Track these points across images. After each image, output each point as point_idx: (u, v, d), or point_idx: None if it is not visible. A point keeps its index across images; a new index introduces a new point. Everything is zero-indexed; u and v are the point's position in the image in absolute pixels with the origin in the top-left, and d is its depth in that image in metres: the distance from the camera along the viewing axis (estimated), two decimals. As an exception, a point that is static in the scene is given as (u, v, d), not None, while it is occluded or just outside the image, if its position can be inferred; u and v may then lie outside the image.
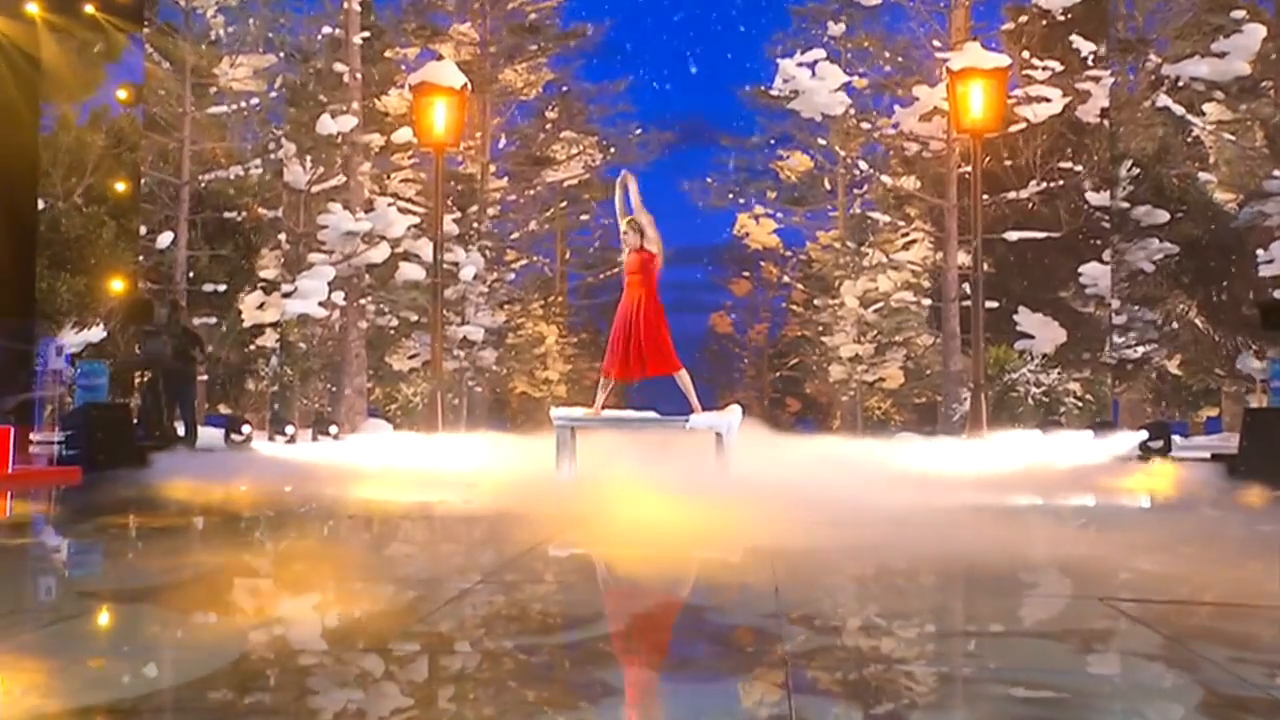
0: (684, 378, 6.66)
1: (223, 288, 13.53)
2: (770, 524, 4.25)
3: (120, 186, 14.28)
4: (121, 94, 14.40)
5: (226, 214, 13.66)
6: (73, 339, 12.27)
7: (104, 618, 2.50)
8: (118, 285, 13.82)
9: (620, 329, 6.56)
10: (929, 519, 4.67)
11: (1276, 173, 11.98)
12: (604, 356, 6.79)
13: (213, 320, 13.37)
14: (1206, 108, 12.57)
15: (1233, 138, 12.65)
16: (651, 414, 7.12)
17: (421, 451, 9.56)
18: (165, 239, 13.41)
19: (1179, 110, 12.51)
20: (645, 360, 6.47)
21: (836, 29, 13.61)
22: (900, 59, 13.46)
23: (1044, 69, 12.44)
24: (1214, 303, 12.68)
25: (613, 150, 15.31)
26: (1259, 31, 11.93)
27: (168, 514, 5.20)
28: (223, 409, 13.94)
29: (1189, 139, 12.83)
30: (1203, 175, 12.81)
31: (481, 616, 2.50)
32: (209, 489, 6.16)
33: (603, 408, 6.90)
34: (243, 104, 13.79)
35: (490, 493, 5.80)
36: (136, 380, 12.60)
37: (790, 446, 9.04)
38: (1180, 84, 12.41)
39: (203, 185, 13.64)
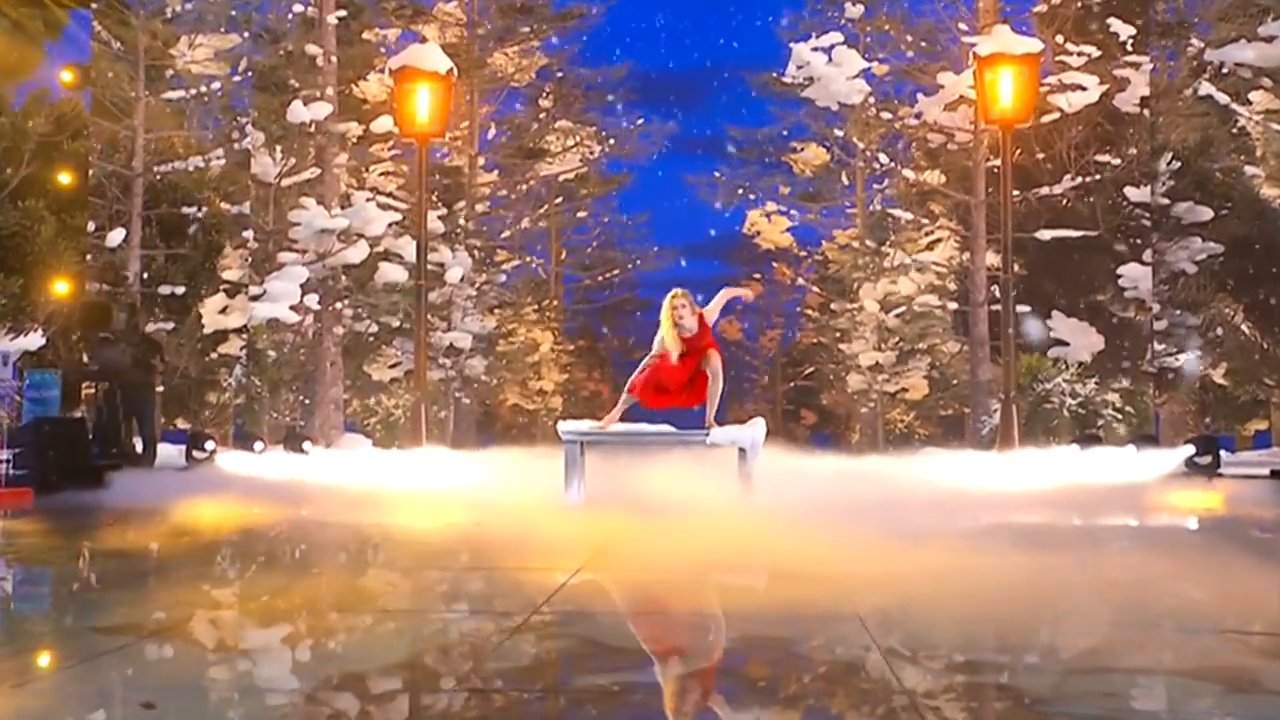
0: (715, 383, 6.63)
1: (181, 290, 13.38)
2: (816, 547, 4.21)
3: (64, 178, 14.11)
4: (65, 76, 14.22)
5: (185, 209, 13.52)
6: (8, 346, 12.07)
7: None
8: (61, 287, 13.64)
9: (664, 365, 6.60)
10: (986, 540, 4.65)
11: (1328, 167, 12.09)
12: (633, 374, 6.79)
13: (169, 326, 13.21)
14: (1253, 96, 12.66)
15: (1281, 129, 12.75)
16: (667, 428, 7.08)
17: (406, 469, 9.46)
18: (116, 236, 13.24)
19: (1223, 99, 12.59)
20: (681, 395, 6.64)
21: (854, 11, 13.67)
22: (923, 43, 13.53)
23: (1079, 54, 12.51)
24: (1262, 307, 12.75)
25: (612, 141, 15.30)
26: (1309, 14, 12.04)
27: (144, 540, 5.08)
28: (180, 423, 13.81)
29: (1234, 130, 12.92)
30: (1249, 169, 12.90)
31: (549, 653, 2.44)
32: (181, 512, 6.05)
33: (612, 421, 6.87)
34: (203, 89, 13.67)
35: (498, 515, 5.73)
36: (84, 391, 12.43)
37: (809, 462, 9.02)
38: (1224, 70, 12.50)
39: (158, 177, 13.49)
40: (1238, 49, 12.28)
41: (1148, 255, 12.59)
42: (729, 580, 3.65)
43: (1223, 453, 9.90)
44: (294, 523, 5.66)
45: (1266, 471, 9.17)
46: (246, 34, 13.74)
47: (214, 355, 13.40)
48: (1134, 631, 2.77)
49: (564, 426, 6.93)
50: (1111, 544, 4.94)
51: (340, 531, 5.14)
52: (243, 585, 3.65)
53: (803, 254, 15.86)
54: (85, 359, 12.55)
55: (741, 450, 6.56)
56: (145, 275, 13.31)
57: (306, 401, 13.08)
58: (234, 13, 13.76)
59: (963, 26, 13.15)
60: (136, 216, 13.28)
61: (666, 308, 6.51)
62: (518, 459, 9.17)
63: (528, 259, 15.58)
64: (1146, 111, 12.70)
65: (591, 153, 15.40)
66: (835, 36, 13.32)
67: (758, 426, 6.71)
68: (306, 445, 10.88)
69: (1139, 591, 3.26)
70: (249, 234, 13.29)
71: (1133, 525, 5.93)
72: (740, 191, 15.32)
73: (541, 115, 15.28)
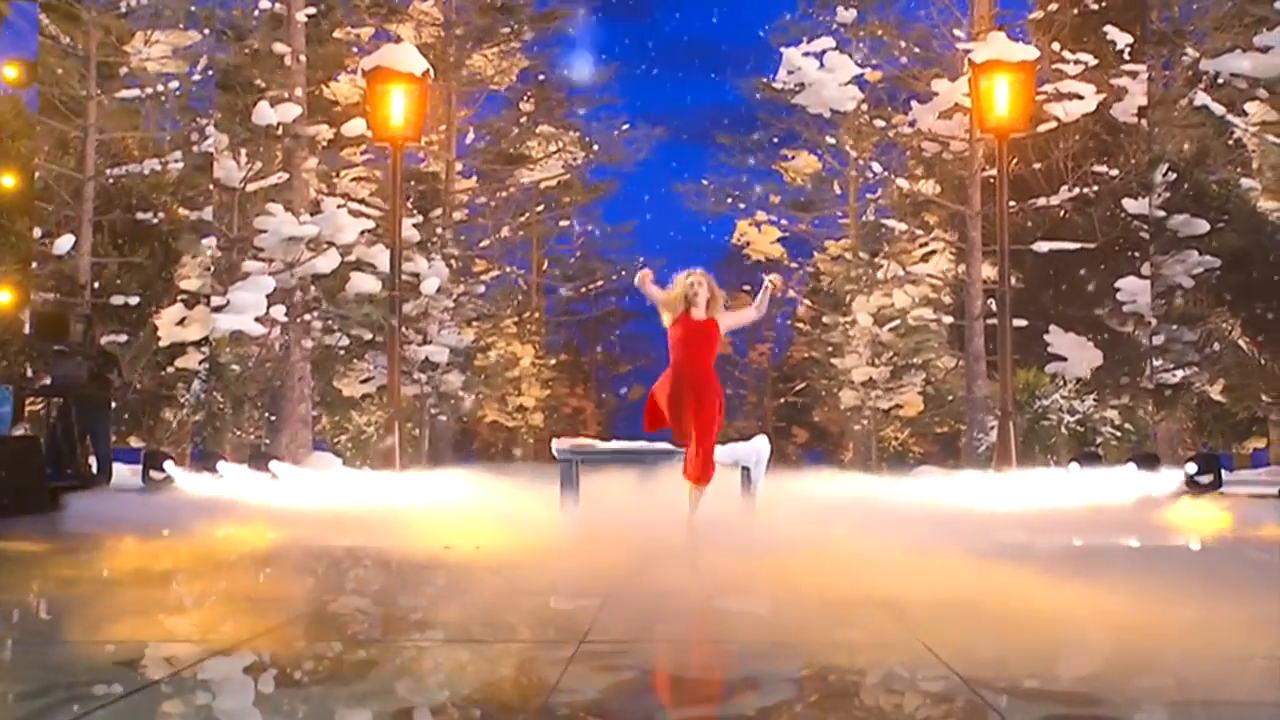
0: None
1: (135, 300, 13.16)
2: (847, 570, 4.20)
3: (6, 181, 13.84)
4: (10, 72, 13.98)
5: (140, 215, 13.32)
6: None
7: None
8: (2, 297, 13.34)
9: (675, 396, 6.17)
10: (1031, 562, 4.69)
11: (1324, 180, 12.39)
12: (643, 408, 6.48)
13: (122, 339, 12.98)
14: (1249, 107, 12.93)
15: (1278, 141, 13.05)
16: (666, 445, 7.09)
17: (382, 489, 9.36)
18: (64, 243, 12.99)
19: (1219, 110, 12.85)
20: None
21: (847, 15, 13.81)
22: (918, 49, 13.69)
23: (1076, 62, 12.74)
24: (1260, 322, 13.00)
25: (596, 148, 15.33)
26: (1306, 24, 12.32)
27: (132, 572, 4.95)
28: (133, 442, 13.57)
29: (1230, 141, 13.21)
30: (1245, 181, 13.17)
31: (616, 686, 2.41)
32: (156, 538, 5.92)
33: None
34: (160, 88, 13.50)
35: (495, 538, 5.67)
36: (29, 407, 12.13)
37: (804, 483, 9.03)
38: (1220, 81, 12.77)
39: (111, 181, 13.28)
40: (1233, 59, 12.53)
41: (1146, 269, 12.80)
42: (766, 606, 3.62)
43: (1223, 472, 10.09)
44: (289, 546, 5.54)
45: (1275, 491, 9.32)
46: (208, 31, 13.60)
47: (170, 370, 13.17)
48: (1228, 661, 2.73)
49: (559, 444, 6.91)
50: (1157, 568, 4.97)
51: (340, 558, 5.04)
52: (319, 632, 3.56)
53: (794, 265, 15.96)
54: (30, 372, 12.29)
55: (745, 468, 6.57)
56: (96, 284, 13.07)
57: (272, 418, 12.89)
58: (193, 8, 13.62)
59: (957, 33, 13.34)
60: (87, 222, 13.04)
61: (681, 287, 6.15)
62: (497, 478, 9.11)
63: (508, 269, 15.53)
64: (1144, 121, 12.94)
65: (575, 159, 15.41)
66: (827, 41, 13.45)
67: (761, 443, 6.71)
68: (273, 465, 10.71)
69: (1216, 619, 3.25)
70: (211, 241, 13.10)
71: (1175, 546, 5.98)
72: (729, 200, 15.39)
73: (522, 119, 15.27)
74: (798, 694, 2.44)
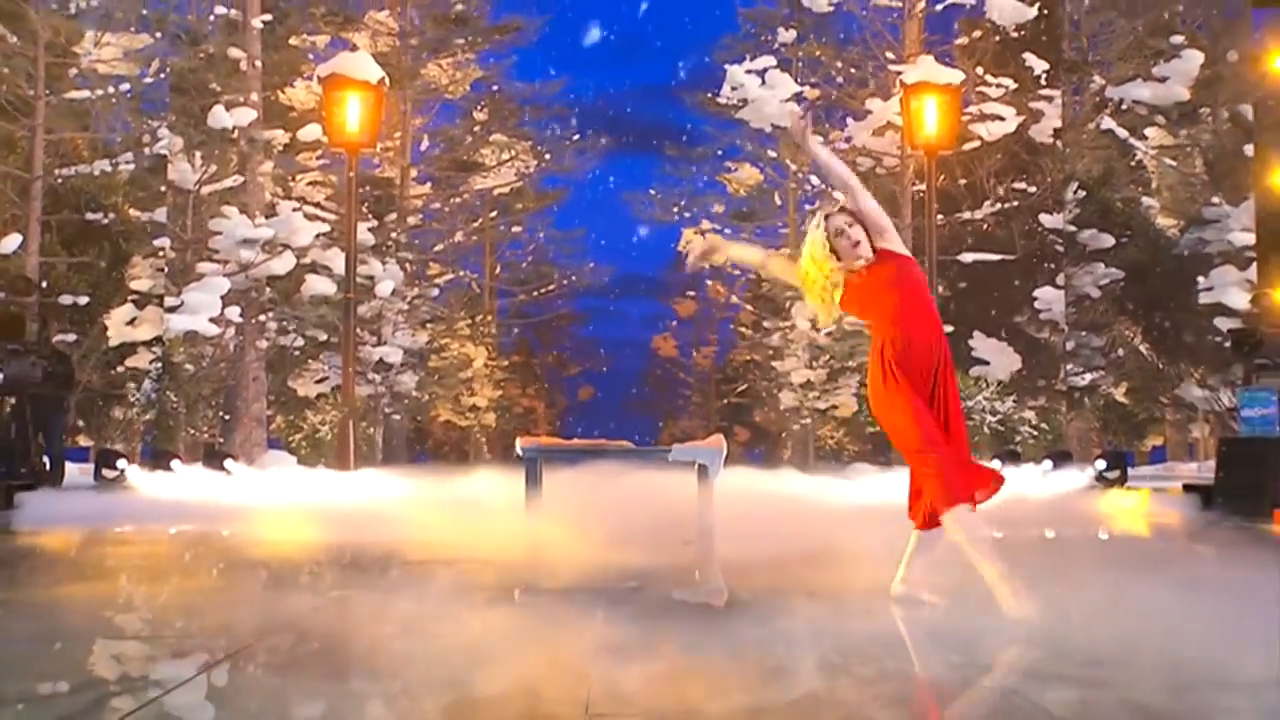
0: None
1: (84, 300, 12.72)
2: (833, 566, 4.27)
3: (-50, 179, 13.26)
4: (-47, 71, 13.40)
5: (90, 215, 12.88)
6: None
7: None
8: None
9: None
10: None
11: (1215, 200, 13.03)
12: None
13: (71, 338, 12.55)
14: (1148, 131, 13.60)
15: (1173, 163, 13.73)
16: (627, 444, 7.16)
17: (340, 488, 9.26)
18: (11, 242, 12.50)
19: (1122, 133, 13.47)
20: None
21: (787, 36, 14.10)
22: (853, 70, 14.04)
23: (998, 86, 13.21)
24: (1158, 329, 13.63)
25: (548, 156, 15.34)
26: (1196, 58, 12.98)
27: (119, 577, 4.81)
28: (80, 440, 13.15)
29: (1133, 163, 13.85)
30: (1146, 200, 13.83)
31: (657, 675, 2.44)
32: (126, 539, 5.76)
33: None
34: (111, 89, 13.07)
35: (471, 534, 5.65)
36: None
37: (749, 479, 9.13)
38: (1124, 106, 13.39)
39: (59, 181, 12.82)
40: (1135, 87, 13.17)
41: (1061, 279, 13.31)
42: (796, 600, 3.57)
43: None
44: (283, 548, 5.44)
45: (1179, 485, 9.76)
46: (160, 34, 13.23)
47: (120, 369, 12.77)
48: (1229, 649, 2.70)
49: (524, 443, 6.91)
50: (1097, 553, 5.13)
51: (318, 554, 4.97)
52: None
53: (736, 272, 16.16)
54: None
55: (702, 466, 6.66)
56: (44, 284, 12.60)
57: (226, 418, 12.58)
58: (145, 11, 13.22)
59: (890, 55, 13.72)
60: (35, 221, 12.56)
61: (819, 238, 3.29)
62: (454, 478, 9.05)
63: (461, 273, 15.44)
64: (1058, 142, 13.46)
65: (527, 167, 15.40)
66: (768, 60, 13.68)
67: (718, 444, 6.82)
68: (229, 463, 10.48)
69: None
70: (165, 242, 12.73)
71: (1087, 534, 6.21)
72: (675, 209, 15.54)
73: (476, 128, 15.20)
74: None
